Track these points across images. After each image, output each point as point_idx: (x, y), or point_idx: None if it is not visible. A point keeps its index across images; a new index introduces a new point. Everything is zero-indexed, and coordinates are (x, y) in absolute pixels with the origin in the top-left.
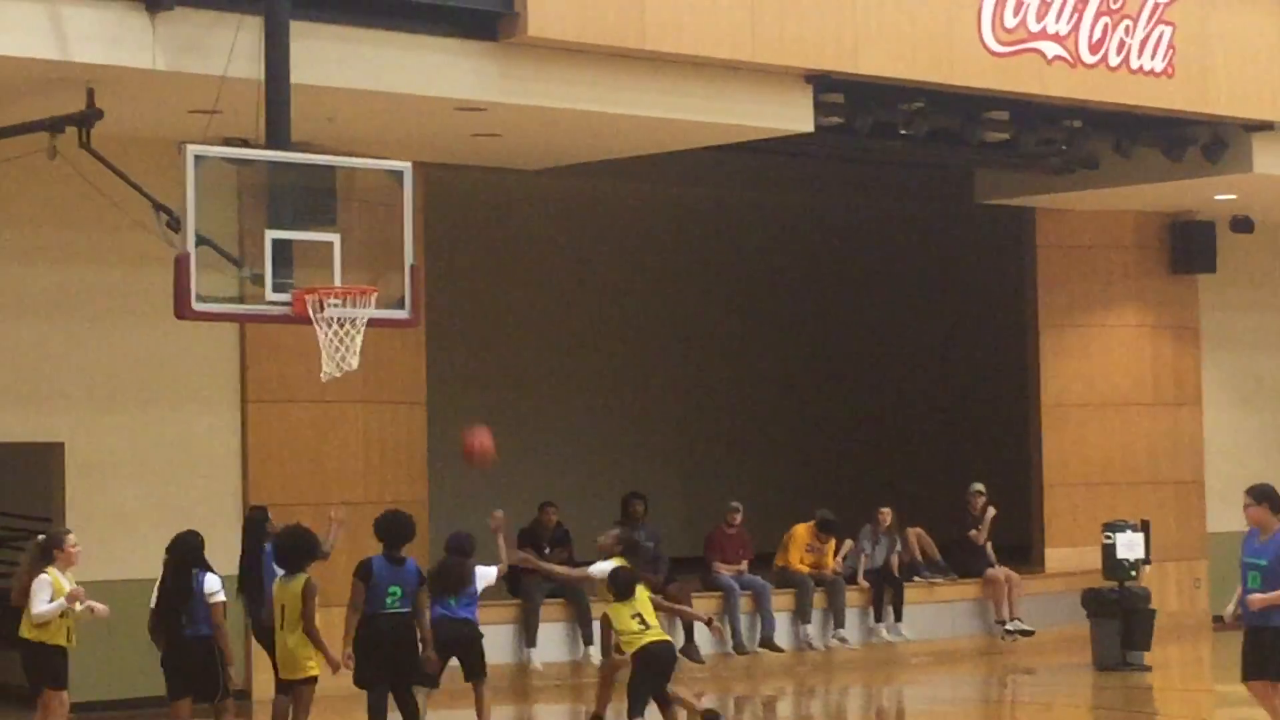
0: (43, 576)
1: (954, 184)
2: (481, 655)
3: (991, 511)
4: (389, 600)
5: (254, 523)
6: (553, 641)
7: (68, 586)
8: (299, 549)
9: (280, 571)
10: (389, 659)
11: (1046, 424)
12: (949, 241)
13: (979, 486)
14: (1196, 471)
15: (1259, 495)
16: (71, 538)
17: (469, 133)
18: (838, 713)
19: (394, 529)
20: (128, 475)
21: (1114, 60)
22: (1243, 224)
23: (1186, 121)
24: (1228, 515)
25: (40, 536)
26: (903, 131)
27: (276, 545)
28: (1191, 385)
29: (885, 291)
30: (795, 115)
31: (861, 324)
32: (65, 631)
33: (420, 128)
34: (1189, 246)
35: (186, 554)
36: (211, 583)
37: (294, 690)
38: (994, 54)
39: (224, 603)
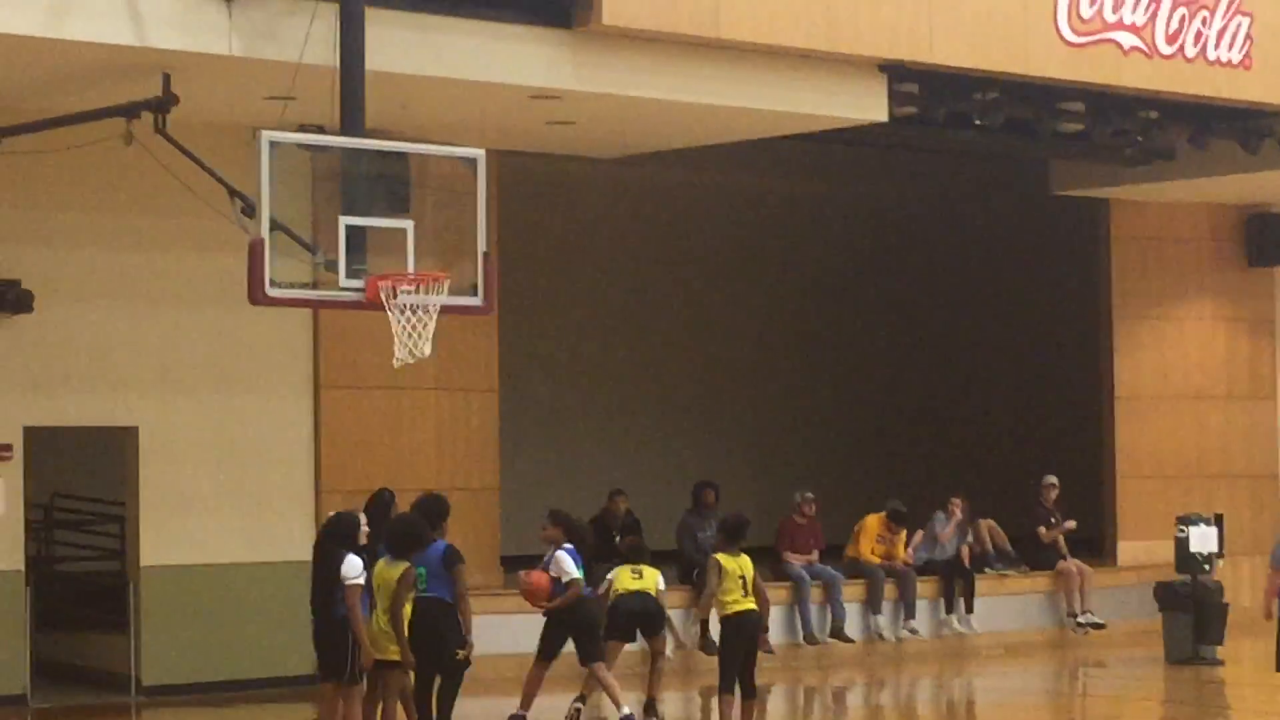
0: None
1: (1028, 175)
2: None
3: (1070, 524)
4: (417, 584)
5: (381, 504)
6: None
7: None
8: (409, 536)
9: (385, 556)
10: (421, 642)
11: (1120, 416)
12: (1023, 233)
13: (1052, 479)
14: (1271, 465)
15: None
16: (362, 517)
17: (543, 120)
18: (908, 704)
19: (427, 511)
20: (200, 460)
21: (1191, 51)
22: None
23: (1263, 113)
24: None
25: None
26: (977, 122)
27: (387, 531)
28: (1267, 378)
29: (959, 282)
30: (870, 105)
31: (935, 314)
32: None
33: (494, 115)
34: (1265, 239)
35: (331, 535)
36: (350, 565)
37: (381, 673)
38: (1070, 44)
39: (359, 586)
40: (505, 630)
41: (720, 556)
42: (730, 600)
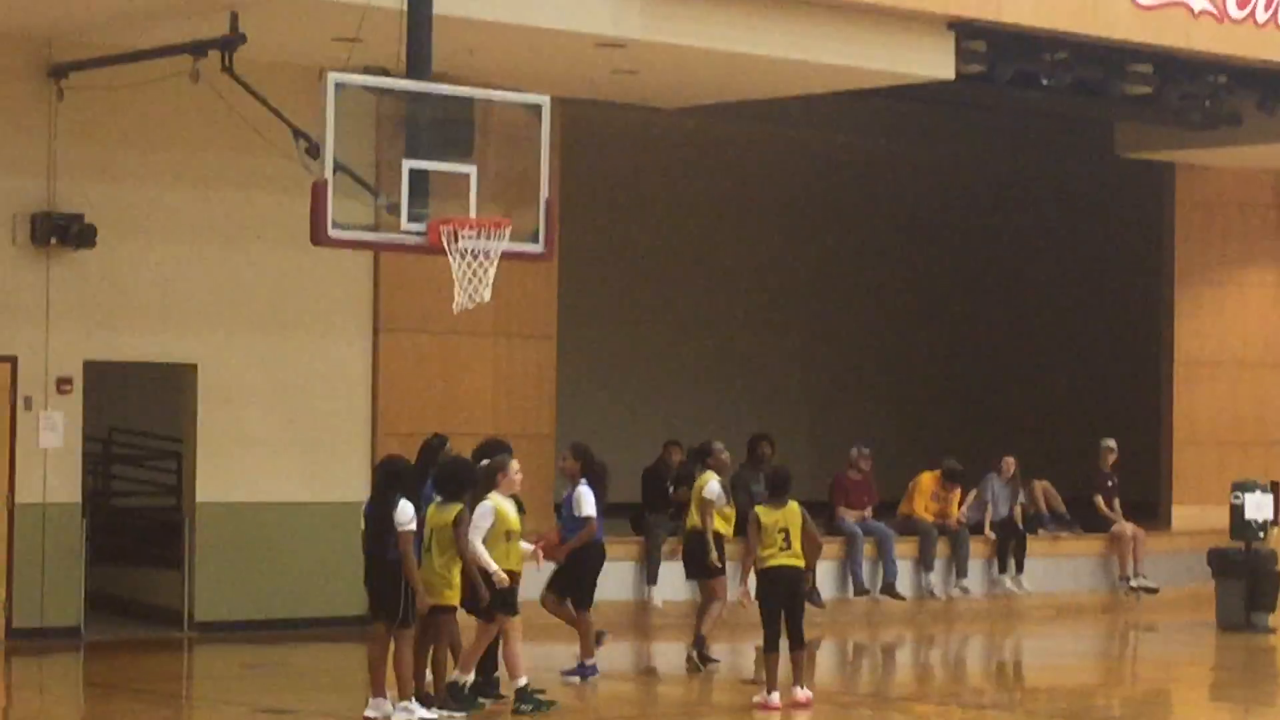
0: (486, 504)
1: (1094, 137)
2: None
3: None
4: None
5: (431, 449)
6: (673, 581)
7: (512, 513)
8: (459, 478)
9: (437, 499)
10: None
11: (1179, 381)
12: (1088, 194)
13: (1110, 443)
14: None
15: None
16: (515, 464)
17: (608, 69)
18: (957, 662)
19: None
20: (258, 399)
21: (1261, 16)
22: None
23: None
24: None
25: (485, 462)
26: (1044, 82)
27: (437, 474)
28: None
29: (1022, 242)
30: (937, 62)
31: (997, 273)
32: (515, 557)
33: (559, 63)
34: None
35: (385, 478)
36: (403, 511)
37: (436, 617)
38: (1140, 6)
39: (412, 531)
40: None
41: (760, 510)
42: (766, 555)
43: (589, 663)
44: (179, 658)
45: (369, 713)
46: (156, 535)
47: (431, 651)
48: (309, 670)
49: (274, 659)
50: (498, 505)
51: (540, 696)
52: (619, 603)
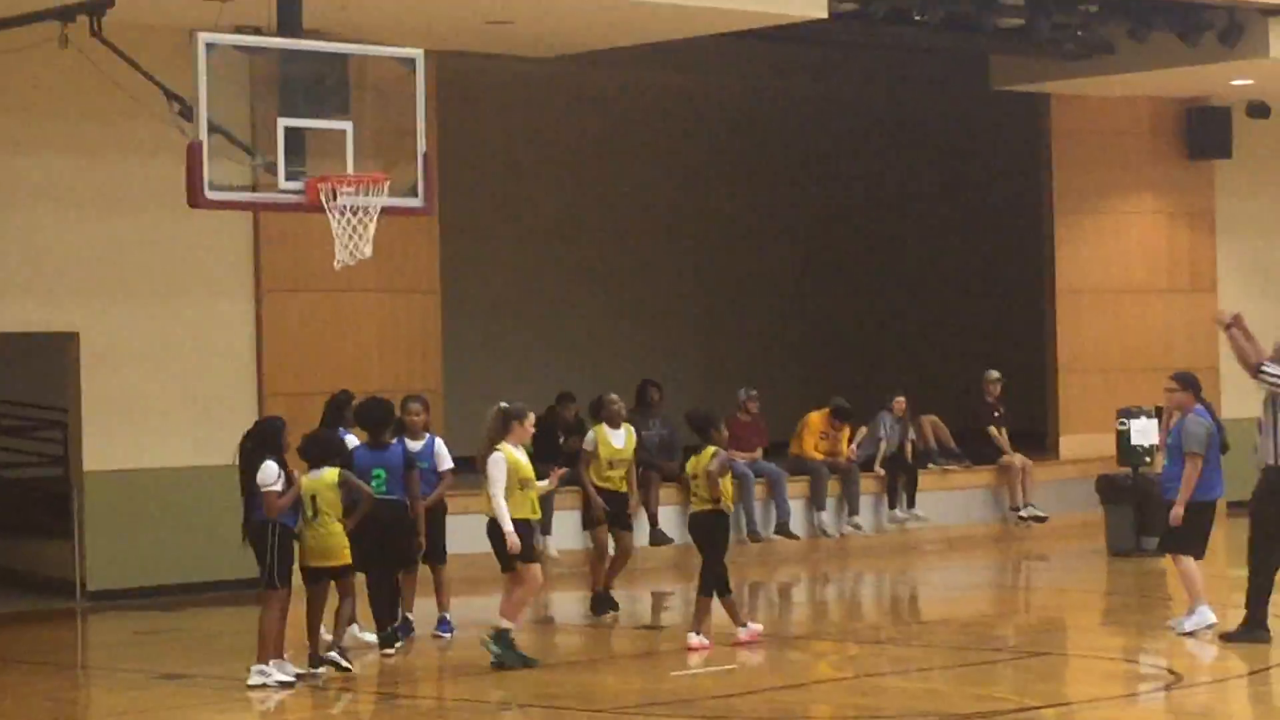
0: (496, 454)
1: (969, 71)
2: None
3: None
4: (373, 485)
5: (337, 405)
6: (568, 530)
7: (524, 461)
8: (328, 448)
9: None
10: (377, 543)
11: (1061, 310)
12: (965, 128)
13: (994, 374)
14: (1211, 358)
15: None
16: (531, 415)
17: (481, 20)
18: (852, 599)
19: (371, 415)
20: (143, 365)
21: None
22: (1259, 109)
23: (1203, 6)
24: (1242, 401)
25: (503, 405)
26: (917, 17)
27: (302, 442)
28: (1206, 272)
29: (901, 179)
30: (809, 1)
31: (877, 211)
32: (530, 504)
33: (432, 14)
34: (1204, 132)
35: (252, 439)
36: (266, 472)
37: (335, 578)
38: None
39: (274, 491)
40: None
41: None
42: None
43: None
44: (73, 628)
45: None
46: (45, 506)
47: (338, 611)
48: (204, 636)
49: (168, 625)
50: (509, 455)
51: (523, 652)
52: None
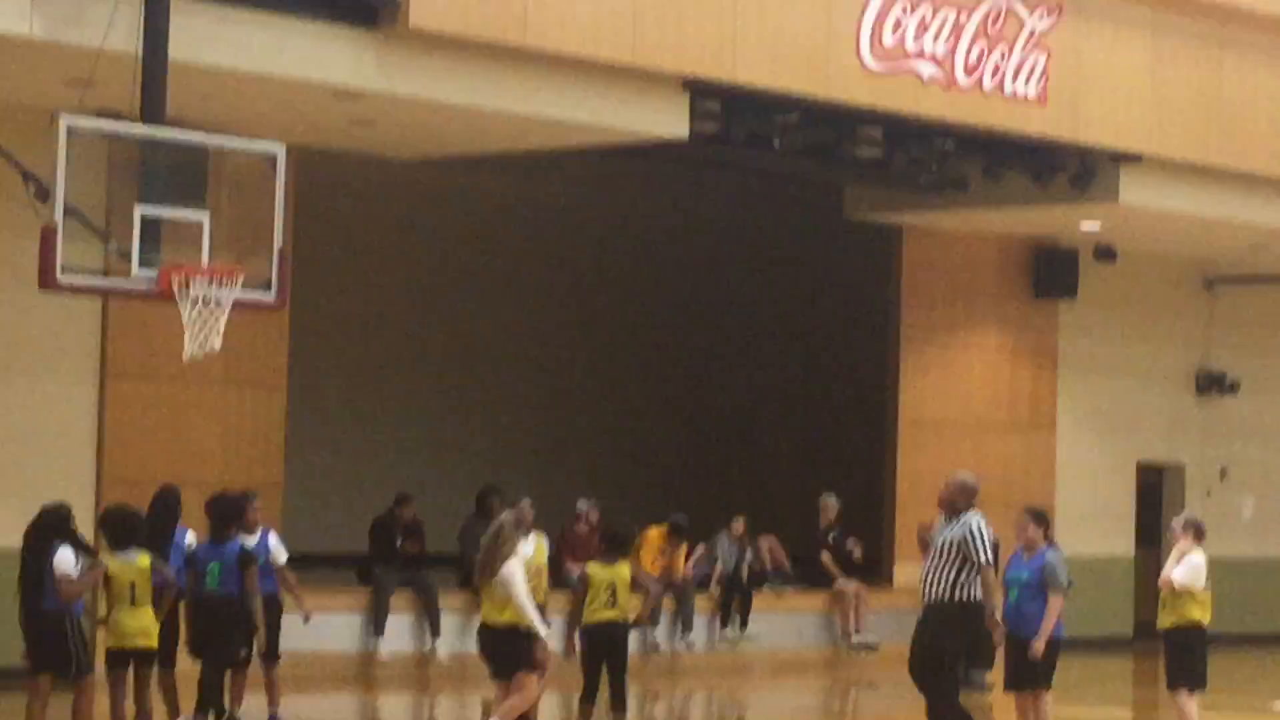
0: (515, 559)
1: (825, 199)
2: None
3: (857, 552)
4: (208, 580)
5: (167, 502)
6: (400, 633)
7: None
8: (132, 529)
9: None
10: (209, 637)
11: (903, 440)
12: (817, 255)
13: (828, 499)
14: (1048, 496)
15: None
16: (527, 500)
17: (344, 119)
18: (681, 717)
19: (225, 510)
20: None
21: (988, 84)
22: (1106, 253)
23: (1057, 149)
24: (1077, 540)
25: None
26: (776, 144)
27: (107, 525)
28: (1045, 409)
29: (752, 302)
30: (671, 121)
31: (728, 332)
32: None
33: (296, 111)
34: (1050, 272)
35: (42, 526)
36: (62, 559)
37: (138, 660)
38: (870, 71)
39: (67, 576)
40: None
41: (591, 566)
42: (591, 610)
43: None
44: None
45: None
46: None
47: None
48: None
49: None
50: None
51: None
52: (344, 655)
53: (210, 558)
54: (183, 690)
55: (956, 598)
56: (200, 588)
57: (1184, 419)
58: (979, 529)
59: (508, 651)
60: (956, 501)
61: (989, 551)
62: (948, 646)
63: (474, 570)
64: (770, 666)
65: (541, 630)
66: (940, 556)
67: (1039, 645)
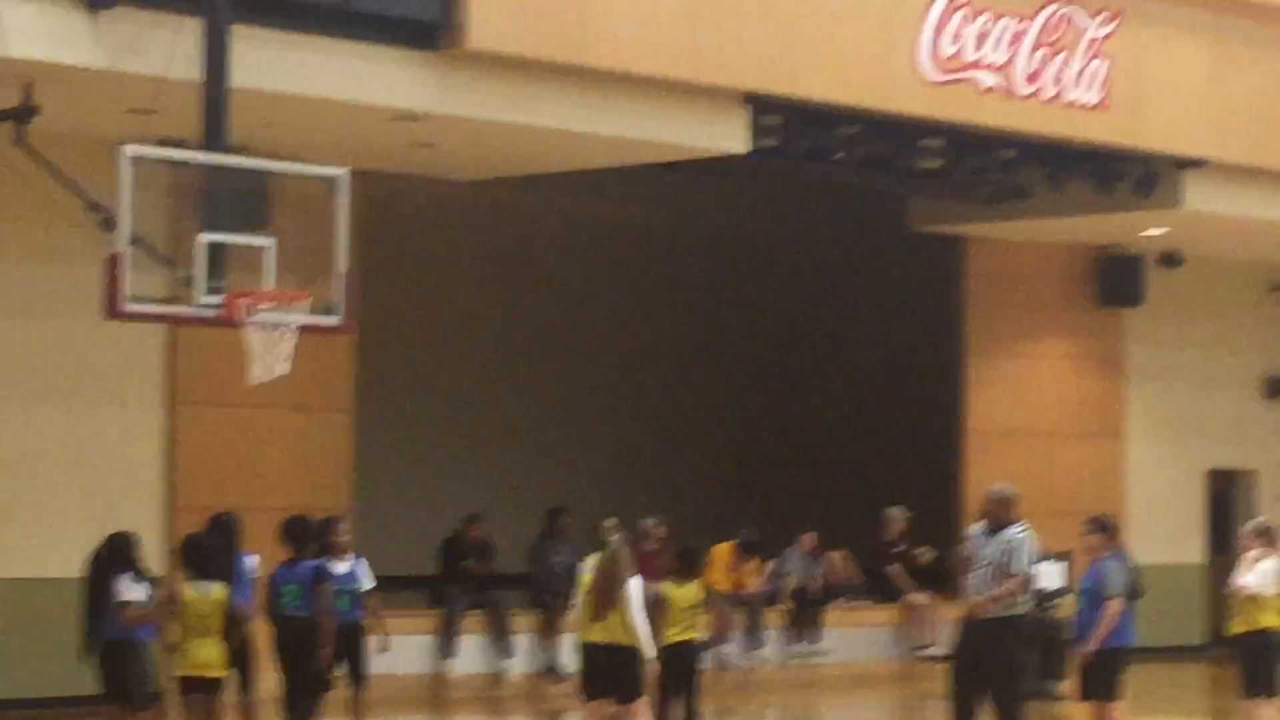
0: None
1: (887, 211)
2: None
3: (927, 556)
4: (284, 601)
5: (226, 528)
6: (471, 654)
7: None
8: (211, 559)
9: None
10: (286, 658)
11: (970, 451)
12: (881, 268)
13: (893, 511)
14: (1117, 504)
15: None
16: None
17: (405, 142)
18: None
19: (297, 532)
20: (51, 474)
21: (1049, 92)
22: (1171, 259)
23: (1119, 156)
24: (1147, 548)
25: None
26: (837, 156)
27: (186, 554)
28: (1114, 418)
29: (817, 315)
30: (732, 136)
31: (793, 346)
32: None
33: (357, 135)
34: (1116, 279)
35: (106, 555)
36: (124, 586)
37: (207, 689)
38: (930, 82)
39: (127, 602)
40: None
41: (667, 586)
42: (671, 631)
43: None
44: None
45: None
46: None
47: None
48: None
49: None
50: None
51: None
52: (416, 677)
53: (287, 579)
54: (266, 714)
55: (1003, 612)
56: (278, 609)
57: (1253, 424)
58: (1023, 540)
59: (615, 673)
60: (999, 514)
61: (1029, 564)
62: (1007, 659)
63: (559, 593)
64: (843, 680)
65: (649, 653)
66: (986, 569)
67: (1086, 650)
